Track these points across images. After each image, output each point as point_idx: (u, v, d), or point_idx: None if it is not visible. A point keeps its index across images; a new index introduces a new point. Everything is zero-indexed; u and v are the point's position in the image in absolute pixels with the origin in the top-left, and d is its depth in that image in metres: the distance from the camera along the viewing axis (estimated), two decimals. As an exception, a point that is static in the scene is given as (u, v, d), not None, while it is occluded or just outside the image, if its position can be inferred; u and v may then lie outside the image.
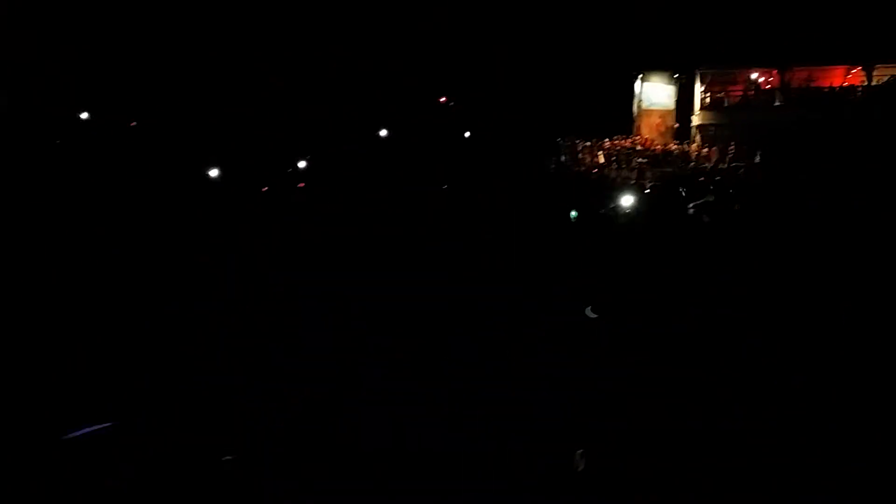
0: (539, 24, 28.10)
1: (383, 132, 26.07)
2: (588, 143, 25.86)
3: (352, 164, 21.70)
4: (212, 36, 27.74)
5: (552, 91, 27.23)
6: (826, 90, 26.07)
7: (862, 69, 25.73)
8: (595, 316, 10.64)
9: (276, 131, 23.74)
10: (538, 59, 27.96)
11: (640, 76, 26.80)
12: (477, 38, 28.77)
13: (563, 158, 25.67)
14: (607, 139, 26.08)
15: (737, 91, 26.91)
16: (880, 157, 21.13)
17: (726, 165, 23.77)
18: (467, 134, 26.16)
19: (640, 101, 26.89)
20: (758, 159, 23.38)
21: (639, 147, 25.55)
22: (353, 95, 26.71)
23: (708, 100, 26.94)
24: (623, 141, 26.09)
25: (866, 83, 25.70)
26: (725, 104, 26.60)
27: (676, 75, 26.45)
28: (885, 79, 25.42)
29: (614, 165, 24.76)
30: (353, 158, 22.35)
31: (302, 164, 21.10)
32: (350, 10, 28.88)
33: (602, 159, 25.27)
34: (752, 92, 26.68)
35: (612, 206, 19.46)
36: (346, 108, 25.98)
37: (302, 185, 20.29)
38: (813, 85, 26.42)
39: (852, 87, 26.24)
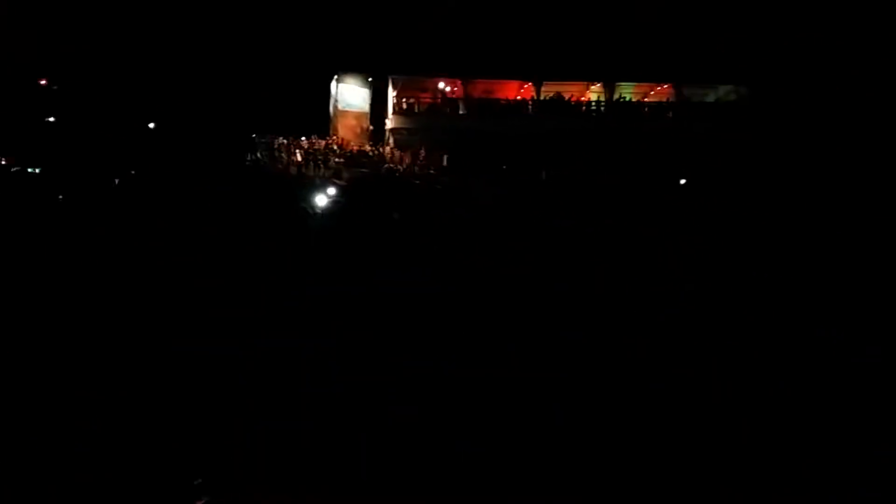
0: (233, 19, 27.10)
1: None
2: (285, 142, 25.62)
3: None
4: None
5: (248, 87, 26.49)
6: (502, 102, 28.74)
7: (532, 85, 28.70)
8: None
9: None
10: (233, 56, 26.97)
11: (336, 77, 27.14)
12: (171, 31, 26.93)
13: (259, 155, 25.09)
14: (305, 138, 26.05)
15: (426, 98, 28.48)
16: (550, 163, 24.08)
17: (417, 168, 25.08)
18: (151, 125, 24.31)
19: (337, 102, 27.27)
20: (444, 163, 25.06)
21: (335, 147, 25.89)
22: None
23: (402, 105, 28.15)
24: (320, 141, 26.23)
25: (535, 97, 28.76)
26: (416, 110, 27.99)
27: (370, 79, 27.28)
28: (551, 94, 28.79)
29: (311, 164, 24.83)
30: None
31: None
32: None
33: (300, 158, 25.20)
34: (439, 100, 28.43)
35: (310, 203, 19.56)
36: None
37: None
38: (492, 96, 28.94)
39: (524, 101, 29.19)
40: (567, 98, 29.20)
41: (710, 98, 29.56)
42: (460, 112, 28.09)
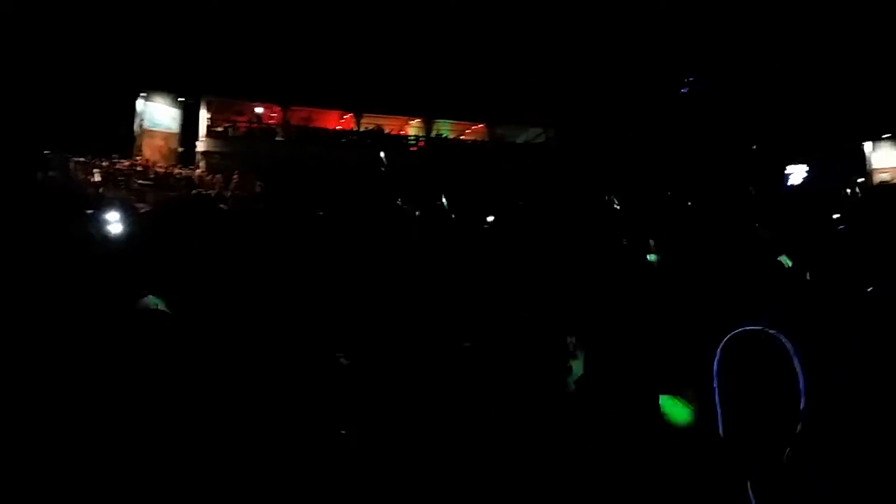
0: (26, 24, 24.99)
1: None
2: (83, 160, 23.85)
3: None
4: None
5: (41, 100, 24.42)
6: (322, 131, 28.75)
7: (353, 116, 28.97)
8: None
9: None
10: (24, 64, 24.79)
11: (144, 95, 25.79)
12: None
13: (51, 174, 23.13)
14: (106, 158, 24.41)
15: (242, 122, 27.86)
16: (366, 194, 24.28)
17: (229, 193, 24.31)
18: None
19: (143, 121, 25.85)
20: (259, 190, 24.51)
21: (140, 168, 24.52)
22: None
23: (216, 127, 27.32)
24: (123, 161, 24.72)
25: (356, 129, 29.05)
26: (231, 134, 27.26)
27: (181, 99, 26.21)
28: (372, 127, 29.21)
29: (111, 186, 23.33)
30: None
31: None
32: None
33: (98, 179, 23.57)
34: (256, 124, 27.91)
35: (101, 228, 18.26)
36: None
37: None
38: (312, 125, 28.86)
39: (345, 131, 29.38)
40: (388, 132, 29.80)
41: (521, 139, 31.38)
42: (277, 139, 27.72)
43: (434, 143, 29.94)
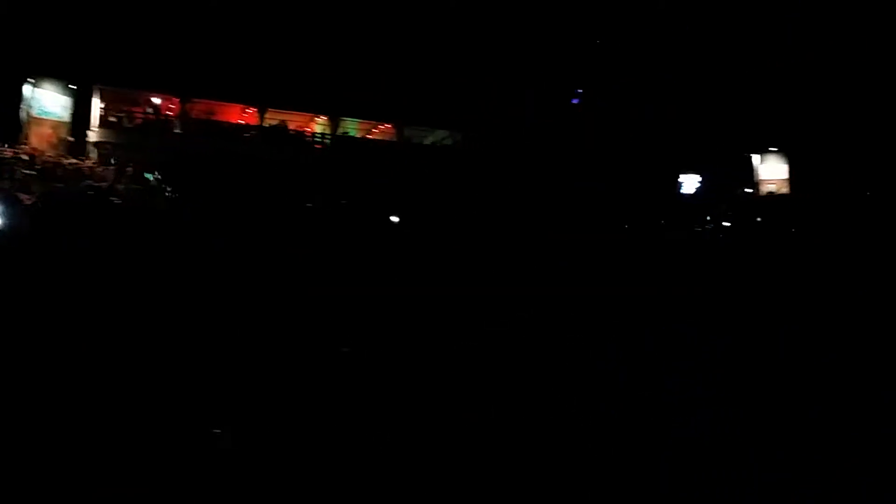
0: None
1: None
2: (-38, 148, 22.68)
3: None
4: None
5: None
6: (223, 125, 28.23)
7: (256, 110, 28.58)
8: None
9: None
10: None
11: (32, 80, 24.68)
12: None
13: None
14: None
15: (139, 113, 27.07)
16: (268, 191, 24.03)
17: (123, 186, 23.60)
18: None
19: (31, 107, 24.72)
20: (153, 182, 23.89)
21: (25, 157, 23.46)
22: None
23: (110, 117, 26.45)
24: (7, 150, 23.59)
25: (259, 123, 28.66)
26: (126, 124, 26.46)
27: (73, 86, 25.21)
28: (276, 122, 28.88)
29: (-7, 175, 22.27)
30: None
31: None
32: None
33: (-21, 167, 22.47)
34: (153, 116, 27.17)
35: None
36: None
37: None
38: (213, 118, 28.31)
39: (247, 126, 28.95)
40: (293, 128, 29.53)
41: (429, 140, 31.71)
42: (175, 131, 27.06)
43: (340, 142, 29.88)
